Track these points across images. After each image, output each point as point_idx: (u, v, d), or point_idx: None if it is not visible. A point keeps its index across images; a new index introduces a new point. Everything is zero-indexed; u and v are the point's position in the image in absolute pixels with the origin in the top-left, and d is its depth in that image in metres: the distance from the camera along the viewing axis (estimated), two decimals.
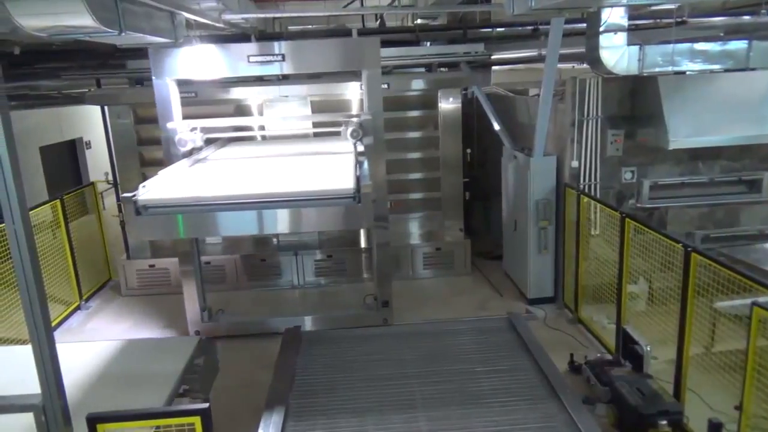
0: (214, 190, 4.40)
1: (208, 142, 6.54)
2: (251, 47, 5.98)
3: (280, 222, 4.26)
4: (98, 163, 11.82)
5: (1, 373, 4.38)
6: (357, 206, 4.14)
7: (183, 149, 5.91)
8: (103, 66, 7.78)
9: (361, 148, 5.77)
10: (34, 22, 3.33)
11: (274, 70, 6.12)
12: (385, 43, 7.95)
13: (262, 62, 5.91)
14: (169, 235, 4.44)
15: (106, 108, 8.12)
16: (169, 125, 6.00)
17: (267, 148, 6.77)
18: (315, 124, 7.81)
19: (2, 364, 4.54)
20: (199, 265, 6.64)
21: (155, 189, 4.46)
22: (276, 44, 5.97)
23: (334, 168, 5.03)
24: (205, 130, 6.29)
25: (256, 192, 4.28)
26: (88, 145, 11.99)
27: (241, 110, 8.06)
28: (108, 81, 8.05)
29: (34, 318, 2.62)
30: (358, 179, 4.29)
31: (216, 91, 7.52)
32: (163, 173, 4.94)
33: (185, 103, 7.83)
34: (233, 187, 4.48)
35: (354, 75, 7.37)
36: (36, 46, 7.01)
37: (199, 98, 7.44)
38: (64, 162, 11.34)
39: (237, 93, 7.66)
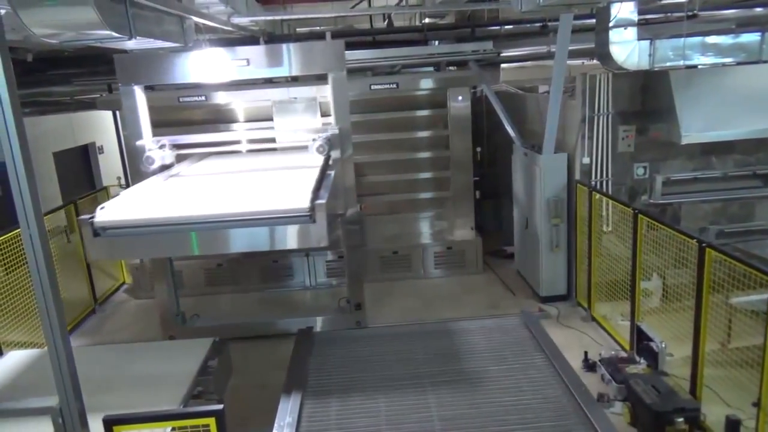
0: (172, 211, 4.43)
1: (181, 158, 6.55)
2: (217, 53, 5.94)
3: (234, 242, 4.33)
4: (111, 167, 11.95)
5: (19, 377, 4.44)
6: (311, 225, 4.22)
7: (151, 167, 5.86)
8: (113, 71, 7.84)
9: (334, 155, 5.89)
10: (46, 30, 3.36)
11: (240, 75, 6.11)
12: (394, 43, 7.98)
13: (227, 67, 5.91)
14: (127, 256, 4.44)
15: (117, 113, 8.19)
16: (138, 143, 5.99)
17: (241, 161, 6.74)
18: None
19: (20, 368, 4.59)
20: (171, 272, 6.63)
21: (114, 210, 4.52)
22: (240, 49, 5.95)
23: (297, 184, 5.05)
24: (175, 146, 6.28)
25: (210, 213, 4.33)
26: (101, 149, 12.11)
27: (249, 113, 8.08)
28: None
29: (51, 322, 2.65)
30: (312, 197, 4.33)
31: (224, 94, 7.55)
32: (126, 193, 5.00)
33: (194, 106, 7.94)
34: (192, 208, 4.53)
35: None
36: (48, 53, 7.09)
37: (208, 102, 7.47)
38: (77, 167, 11.45)
39: (246, 96, 7.67)
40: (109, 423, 2.93)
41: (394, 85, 7.80)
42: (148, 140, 6.07)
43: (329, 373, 4.56)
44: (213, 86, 7.43)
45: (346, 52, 7.60)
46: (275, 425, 3.85)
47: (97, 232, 4.23)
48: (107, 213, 4.38)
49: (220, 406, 2.99)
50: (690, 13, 6.61)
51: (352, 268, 6.68)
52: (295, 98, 7.89)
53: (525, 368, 4.42)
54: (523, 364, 4.49)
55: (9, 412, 2.89)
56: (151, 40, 4.25)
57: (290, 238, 4.29)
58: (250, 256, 7.89)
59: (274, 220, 4.25)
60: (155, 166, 5.84)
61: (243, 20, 6.47)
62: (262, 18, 7.28)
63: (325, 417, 3.98)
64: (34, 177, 2.47)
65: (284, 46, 6.02)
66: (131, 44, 4.31)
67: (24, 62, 6.67)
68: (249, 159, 6.82)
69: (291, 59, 6.00)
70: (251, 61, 5.92)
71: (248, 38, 7.75)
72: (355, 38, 8.23)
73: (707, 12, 6.97)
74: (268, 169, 6.02)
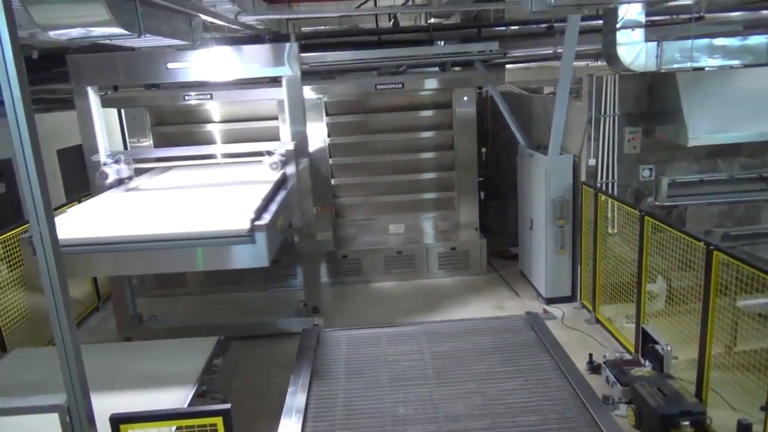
0: (115, 231, 4.50)
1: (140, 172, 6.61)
2: (169, 54, 5.88)
3: (174, 262, 4.43)
4: None
5: (27, 375, 4.44)
6: (251, 246, 4.30)
7: (107, 182, 5.88)
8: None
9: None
10: (56, 27, 3.36)
11: (193, 76, 6.05)
12: (399, 43, 7.97)
13: (179, 69, 5.84)
14: (68, 275, 4.47)
15: (122, 111, 8.19)
16: (93, 158, 5.97)
17: (202, 173, 6.79)
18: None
19: (28, 366, 4.60)
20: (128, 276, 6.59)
21: (59, 227, 4.54)
22: (191, 52, 5.87)
23: (246, 200, 5.13)
24: (130, 160, 6.32)
25: (152, 233, 4.40)
26: None
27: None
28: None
29: (59, 320, 2.64)
30: (254, 218, 4.41)
31: (231, 93, 7.53)
32: (73, 211, 5.02)
33: (202, 104, 7.94)
34: (136, 227, 4.61)
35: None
36: (53, 50, 7.09)
37: (215, 100, 7.46)
38: (81, 164, 11.43)
39: (253, 95, 7.64)
40: (116, 421, 2.93)
41: (400, 85, 7.79)
42: (103, 154, 6.03)
43: (334, 372, 4.56)
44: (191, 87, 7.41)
45: (353, 51, 7.64)
46: (281, 425, 3.84)
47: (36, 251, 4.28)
48: None
49: (227, 406, 2.99)
50: (697, 15, 6.58)
51: (308, 271, 6.65)
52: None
53: (530, 369, 4.42)
54: (529, 365, 4.49)
55: (17, 410, 2.89)
56: (159, 37, 4.26)
57: (230, 258, 4.40)
58: None
59: (215, 240, 4.35)
60: (110, 180, 5.88)
61: (249, 19, 6.47)
62: (268, 17, 7.28)
63: (330, 417, 3.97)
64: (44, 174, 2.47)
65: (237, 48, 5.92)
66: (139, 42, 4.32)
67: (29, 59, 6.67)
68: (209, 171, 6.88)
69: (243, 62, 5.92)
70: (203, 63, 5.84)
71: (254, 37, 7.75)
72: (360, 38, 8.22)
73: (714, 14, 6.94)
74: (224, 183, 6.12)
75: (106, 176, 5.84)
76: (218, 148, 7.36)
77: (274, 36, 8.10)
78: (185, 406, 3.95)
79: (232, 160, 7.20)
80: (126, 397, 4.06)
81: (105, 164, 5.92)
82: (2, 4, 2.21)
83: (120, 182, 6.08)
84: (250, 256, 4.36)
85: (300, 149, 6.21)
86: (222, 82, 7.08)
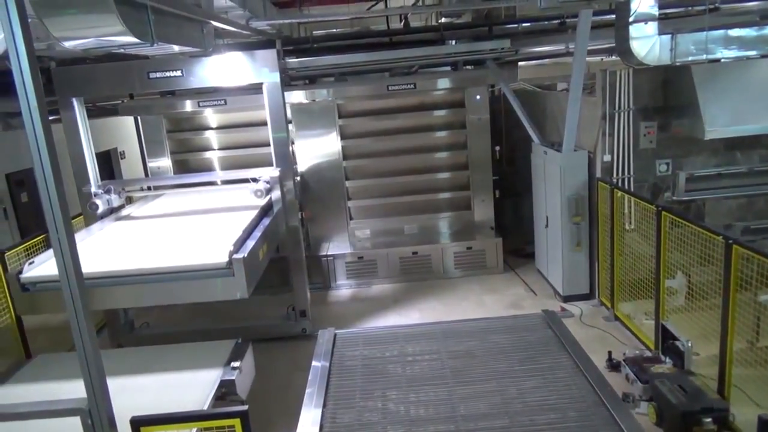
0: (100, 266, 4.64)
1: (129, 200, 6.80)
2: (150, 64, 5.92)
3: (156, 296, 4.59)
4: (132, 172, 12.12)
5: (50, 379, 4.53)
6: (230, 279, 4.43)
7: (97, 212, 6.01)
8: None
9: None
10: (72, 39, 3.43)
11: (176, 85, 6.14)
12: (411, 44, 7.98)
13: (161, 78, 5.91)
14: (54, 310, 4.59)
15: (139, 118, 8.31)
16: (84, 189, 6.09)
17: (191, 199, 6.95)
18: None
19: (52, 371, 4.69)
20: None
21: (43, 264, 4.73)
22: (172, 62, 5.90)
23: (228, 229, 5.27)
24: (120, 190, 6.45)
25: (134, 267, 4.56)
26: (123, 155, 12.28)
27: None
28: (140, 92, 8.25)
29: (80, 326, 2.69)
30: (233, 251, 4.53)
31: (244, 98, 7.60)
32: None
33: (216, 111, 8.03)
34: (119, 261, 4.76)
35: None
36: (70, 60, 7.21)
37: (229, 106, 7.53)
38: (99, 172, 11.60)
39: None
40: (136, 424, 2.97)
41: (412, 86, 7.80)
42: (93, 184, 6.16)
43: (352, 373, 4.57)
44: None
45: (365, 53, 7.65)
46: (299, 427, 3.86)
47: (26, 287, 4.46)
48: (35, 268, 4.62)
49: (245, 407, 3.02)
50: (711, 6, 6.49)
51: (296, 276, 6.66)
52: (314, 100, 7.95)
53: (549, 368, 4.38)
54: (547, 363, 4.45)
55: (40, 414, 2.95)
56: (172, 45, 4.31)
57: (209, 291, 4.54)
58: None
59: (194, 274, 4.50)
60: (100, 211, 6.02)
61: (260, 24, 6.53)
62: (279, 21, 7.34)
63: (348, 417, 3.98)
64: (62, 182, 2.52)
65: (217, 57, 5.95)
66: (152, 50, 4.38)
67: (47, 70, 6.78)
68: (200, 196, 7.05)
69: (223, 70, 5.95)
70: (185, 71, 5.89)
71: (265, 42, 7.81)
72: (372, 39, 8.24)
73: (729, 5, 6.83)
74: (211, 210, 6.29)
75: (96, 207, 6.00)
76: (208, 176, 7.50)
77: (287, 40, 8.16)
78: (205, 408, 3.99)
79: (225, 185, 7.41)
80: (145, 400, 4.11)
81: (96, 195, 6.08)
82: (18, 18, 2.27)
83: (111, 211, 6.26)
84: (229, 288, 4.49)
85: (282, 158, 6.27)
86: (235, 87, 7.15)
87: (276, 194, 6.23)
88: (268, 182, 6.16)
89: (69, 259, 2.61)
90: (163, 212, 6.46)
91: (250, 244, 4.99)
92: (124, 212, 6.45)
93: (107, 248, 5.22)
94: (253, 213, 5.86)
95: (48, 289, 4.49)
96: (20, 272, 4.54)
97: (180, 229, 5.70)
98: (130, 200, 7.16)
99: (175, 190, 7.31)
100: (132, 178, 9.28)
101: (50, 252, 4.88)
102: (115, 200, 6.30)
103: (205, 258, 4.61)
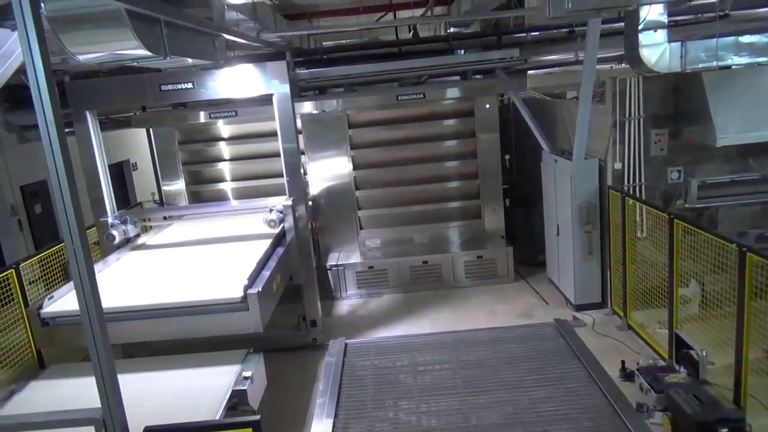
0: (118, 300, 4.71)
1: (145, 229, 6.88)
2: (162, 76, 5.96)
3: (173, 330, 4.63)
4: (145, 183, 12.24)
5: (64, 389, 4.56)
6: (244, 313, 4.48)
7: (114, 243, 6.09)
8: None
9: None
10: (86, 53, 3.49)
11: (187, 97, 6.18)
12: (420, 54, 8.02)
13: (173, 90, 5.95)
14: (75, 344, 4.68)
15: (151, 130, 8.39)
16: (101, 219, 6.19)
17: (204, 227, 6.99)
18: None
19: (66, 381, 4.72)
20: None
21: (62, 299, 4.80)
22: (183, 74, 5.94)
23: (244, 260, 5.33)
24: (136, 220, 6.53)
25: (151, 302, 4.63)
26: (135, 166, 12.41)
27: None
28: (152, 104, 8.34)
29: (95, 336, 2.72)
30: (247, 285, 4.58)
31: (255, 109, 7.66)
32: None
33: (227, 122, 8.10)
34: (136, 296, 4.83)
35: None
36: (84, 73, 7.33)
37: (240, 117, 7.58)
38: (112, 183, 11.72)
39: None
40: None
41: (421, 95, 7.82)
42: (111, 215, 6.25)
43: (363, 383, 4.56)
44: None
45: (375, 64, 7.69)
46: None
47: (46, 321, 4.52)
48: (55, 303, 4.68)
49: (257, 417, 3.03)
50: (722, 13, 6.47)
51: (306, 286, 6.67)
52: (324, 111, 7.99)
53: (561, 377, 4.36)
54: (560, 373, 4.43)
55: (55, 423, 2.98)
56: (185, 58, 4.37)
57: (225, 324, 4.60)
58: None
59: (209, 308, 4.56)
60: (117, 242, 6.11)
61: (271, 36, 6.60)
62: (290, 33, 7.41)
63: (360, 428, 3.97)
64: (77, 194, 2.55)
65: (228, 69, 5.99)
66: (165, 63, 4.44)
67: (61, 84, 6.90)
68: (212, 224, 7.08)
69: (234, 81, 5.99)
70: (197, 83, 5.94)
71: (275, 53, 7.88)
72: (381, 50, 8.29)
73: (740, 11, 6.81)
74: (225, 239, 6.34)
75: (113, 238, 6.09)
76: (222, 206, 7.52)
77: (297, 52, 8.23)
78: (217, 418, 4.00)
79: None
80: (158, 409, 4.13)
81: (112, 225, 6.16)
82: (36, 35, 2.32)
83: (128, 240, 6.34)
84: (244, 322, 4.55)
85: (293, 170, 6.28)
86: (246, 99, 7.21)
87: (289, 222, 6.27)
88: (281, 211, 6.21)
89: (90, 296, 2.66)
90: (177, 241, 6.52)
91: (265, 275, 5.04)
92: (140, 241, 6.53)
93: (124, 281, 5.29)
94: (267, 243, 5.89)
95: (68, 324, 4.55)
96: (40, 307, 4.60)
97: (195, 260, 5.76)
98: (145, 228, 7.27)
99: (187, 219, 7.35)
100: (147, 207, 9.36)
101: (70, 285, 4.95)
102: (132, 230, 6.39)
103: (220, 293, 4.66)
